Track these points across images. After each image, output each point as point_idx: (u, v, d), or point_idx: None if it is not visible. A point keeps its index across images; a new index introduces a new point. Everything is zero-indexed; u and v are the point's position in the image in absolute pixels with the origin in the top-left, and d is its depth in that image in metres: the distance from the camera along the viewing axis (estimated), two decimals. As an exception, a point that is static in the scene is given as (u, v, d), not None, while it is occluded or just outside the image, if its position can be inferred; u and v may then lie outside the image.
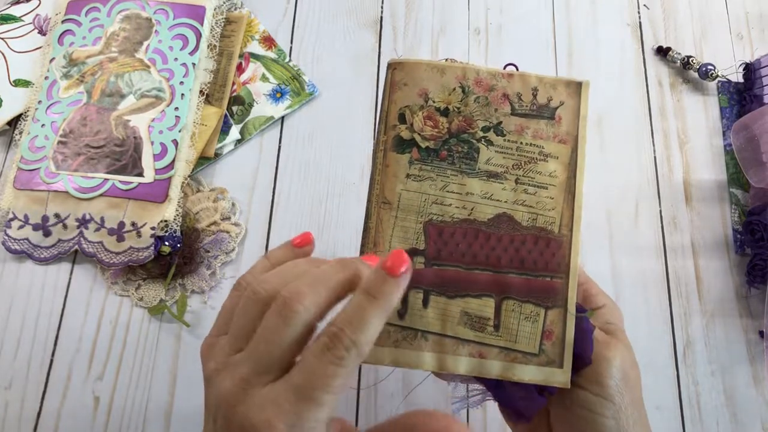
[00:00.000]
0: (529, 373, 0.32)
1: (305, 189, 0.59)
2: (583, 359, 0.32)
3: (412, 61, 0.33)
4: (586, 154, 0.33)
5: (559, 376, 0.31)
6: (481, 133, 0.33)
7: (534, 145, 0.33)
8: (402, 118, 0.33)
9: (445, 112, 0.33)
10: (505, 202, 0.33)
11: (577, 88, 0.34)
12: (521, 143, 0.33)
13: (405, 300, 0.32)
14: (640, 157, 0.60)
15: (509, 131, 0.33)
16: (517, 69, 0.34)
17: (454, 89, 0.33)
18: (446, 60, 0.34)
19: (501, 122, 0.33)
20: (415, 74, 0.33)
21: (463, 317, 0.32)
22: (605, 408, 0.31)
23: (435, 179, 0.33)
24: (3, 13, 0.64)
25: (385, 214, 0.32)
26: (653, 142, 0.61)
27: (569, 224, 0.32)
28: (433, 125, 0.33)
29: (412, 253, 0.32)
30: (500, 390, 0.34)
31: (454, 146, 0.33)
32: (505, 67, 0.34)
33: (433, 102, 0.33)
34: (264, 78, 0.62)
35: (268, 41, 0.64)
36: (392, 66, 0.34)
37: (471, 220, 0.32)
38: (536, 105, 0.33)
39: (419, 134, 0.33)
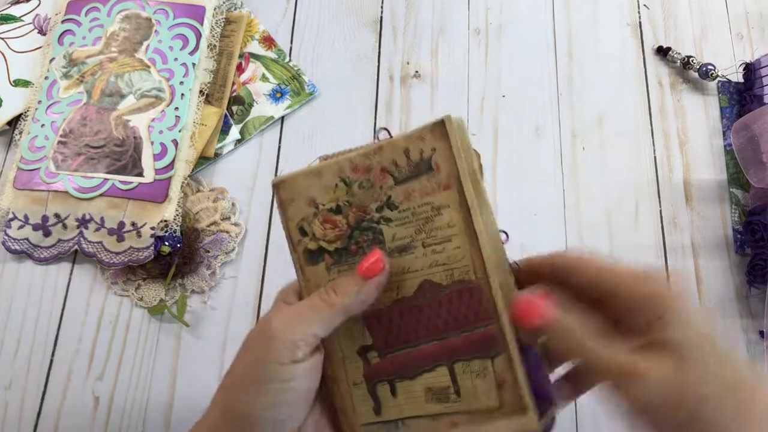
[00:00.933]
0: (500, 429, 0.31)
1: (305, 189, 0.59)
2: (545, 398, 0.31)
3: (291, 176, 0.33)
4: (479, 186, 0.32)
5: (529, 424, 0.31)
6: (377, 215, 0.33)
7: (424, 203, 0.32)
8: (303, 232, 0.34)
9: (338, 210, 0.33)
10: (422, 269, 0.32)
11: (441, 128, 0.32)
12: (414, 207, 0.32)
13: (375, 396, 0.33)
14: (640, 157, 0.60)
15: (400, 201, 0.32)
16: (390, 134, 0.34)
17: (336, 185, 0.33)
18: (321, 158, 0.35)
19: (390, 196, 0.32)
20: (297, 187, 0.33)
21: (428, 393, 0.32)
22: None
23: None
24: (3, 13, 0.64)
25: None
26: (653, 142, 0.61)
27: (481, 266, 0.31)
28: (332, 226, 0.33)
29: (364, 350, 0.33)
30: None
31: (359, 238, 0.33)
32: (377, 135, 0.34)
33: (323, 205, 0.33)
34: (264, 78, 0.62)
35: (268, 41, 0.64)
36: (276, 186, 0.34)
37: (400, 299, 0.32)
38: (413, 164, 0.32)
39: (324, 240, 0.33)
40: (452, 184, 0.32)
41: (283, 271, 0.55)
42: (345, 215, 0.33)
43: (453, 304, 0.32)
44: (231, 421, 0.30)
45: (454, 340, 0.32)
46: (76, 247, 0.54)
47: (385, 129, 0.35)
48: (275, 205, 0.56)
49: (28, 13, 0.64)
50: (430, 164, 0.32)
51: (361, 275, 0.31)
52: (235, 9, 0.65)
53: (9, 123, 0.60)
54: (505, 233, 0.33)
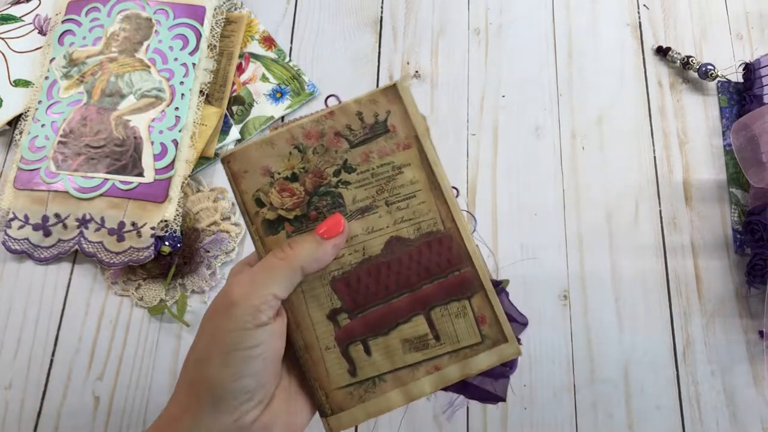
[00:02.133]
0: (484, 362, 0.33)
1: (305, 189, 0.59)
2: (519, 323, 0.35)
3: (242, 148, 0.33)
4: (434, 146, 0.34)
5: (509, 349, 0.33)
6: (334, 179, 0.33)
7: (384, 164, 0.33)
8: (260, 202, 0.34)
9: (294, 178, 0.33)
10: (387, 227, 0.33)
11: (394, 91, 0.33)
12: (373, 168, 0.33)
13: (349, 357, 0.33)
14: (640, 157, 0.60)
15: (357, 164, 0.33)
16: (339, 100, 0.34)
17: (290, 153, 0.33)
18: (272, 128, 0.35)
19: (346, 160, 0.33)
20: (249, 158, 0.33)
21: (405, 344, 0.33)
22: None
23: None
24: (3, 13, 0.64)
25: (292, 295, 0.33)
26: (653, 142, 0.61)
27: (449, 216, 0.33)
28: (290, 194, 0.34)
29: (334, 313, 0.33)
30: (468, 388, 0.35)
31: (318, 203, 0.33)
32: (326, 100, 0.35)
33: (279, 173, 0.33)
34: (264, 78, 0.62)
35: (268, 41, 0.64)
36: (226, 160, 0.34)
37: (368, 259, 0.33)
38: (367, 127, 0.33)
39: (282, 209, 0.33)
40: (412, 143, 0.33)
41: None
42: (302, 182, 0.33)
43: (423, 255, 0.33)
44: (200, 396, 0.29)
45: (428, 289, 0.33)
46: (76, 247, 0.54)
47: (334, 96, 0.35)
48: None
49: (29, 13, 0.64)
50: (386, 126, 0.33)
51: (320, 235, 0.32)
52: (235, 9, 0.65)
53: (9, 123, 0.60)
54: (455, 189, 0.35)
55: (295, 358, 0.33)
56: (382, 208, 0.33)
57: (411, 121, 0.33)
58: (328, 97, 0.35)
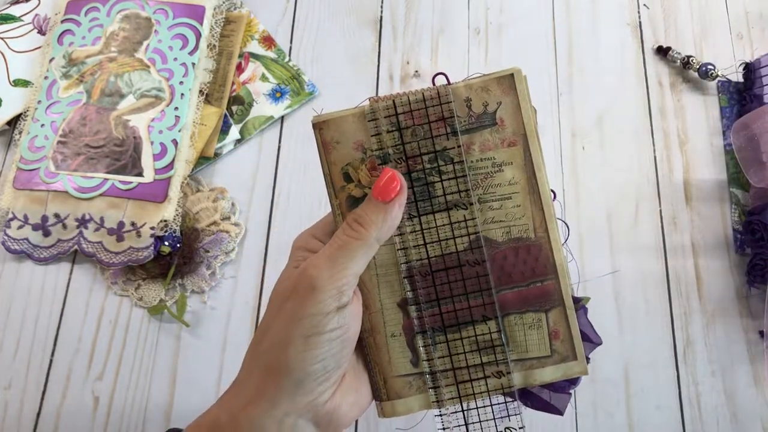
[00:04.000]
0: (548, 375, 0.32)
1: (305, 189, 0.59)
2: (592, 342, 0.33)
3: (336, 116, 0.32)
4: (542, 148, 0.32)
5: (577, 367, 0.32)
6: (428, 166, 0.31)
7: (485, 159, 0.31)
8: (347, 177, 0.32)
9: (386, 158, 0.32)
10: (475, 225, 0.32)
11: (510, 81, 0.31)
12: (472, 162, 0.31)
13: (413, 348, 0.33)
14: (640, 157, 0.60)
15: (456, 154, 0.31)
16: (448, 80, 0.32)
17: (387, 131, 0.31)
18: (369, 100, 0.32)
19: (445, 147, 0.31)
20: (343, 129, 0.31)
21: (472, 345, 0.32)
22: None
23: (401, 227, 0.32)
24: (2, 12, 0.64)
25: (365, 276, 0.32)
26: (653, 141, 0.61)
27: (543, 224, 0.32)
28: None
29: (404, 303, 0.32)
30: (529, 397, 0.35)
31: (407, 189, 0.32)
32: (433, 78, 0.33)
33: (372, 151, 0.31)
34: (264, 78, 0.62)
35: (267, 41, 0.64)
36: (317, 126, 0.32)
37: (449, 254, 0.32)
38: (474, 116, 0.31)
39: (370, 188, 0.31)
40: (518, 141, 0.31)
41: (283, 271, 0.55)
42: (394, 164, 0.31)
43: (507, 261, 0.32)
44: (278, 380, 0.29)
45: (507, 295, 0.32)
46: (75, 247, 0.54)
47: (443, 74, 0.32)
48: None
49: (28, 12, 0.64)
50: (494, 118, 0.31)
51: (380, 200, 0.30)
52: (235, 9, 0.65)
53: (9, 123, 0.60)
54: (553, 192, 0.32)
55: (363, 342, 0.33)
56: (473, 205, 0.31)
57: (522, 117, 0.31)
58: (436, 75, 0.32)
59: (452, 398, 0.32)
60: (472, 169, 0.31)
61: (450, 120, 0.31)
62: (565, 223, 0.33)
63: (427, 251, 0.32)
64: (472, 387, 0.32)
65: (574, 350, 0.32)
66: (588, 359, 0.33)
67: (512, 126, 0.31)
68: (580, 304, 0.34)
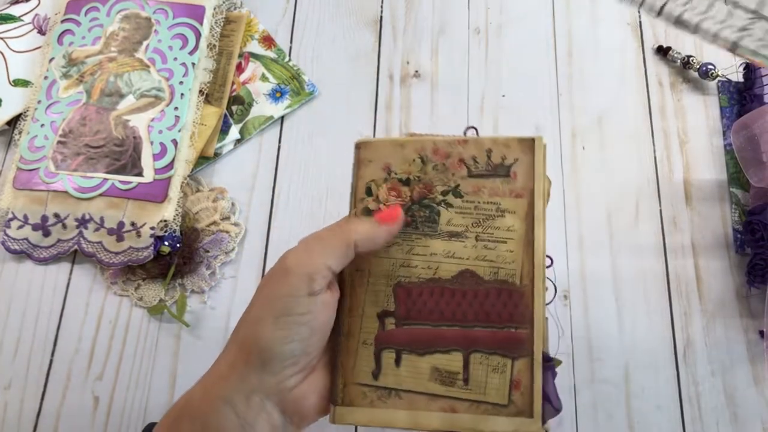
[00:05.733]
0: (501, 426, 0.32)
1: (305, 189, 0.59)
2: (553, 407, 0.33)
3: (377, 141, 0.36)
4: (545, 207, 0.34)
5: (530, 426, 0.32)
6: (440, 197, 0.35)
7: (491, 202, 0.35)
8: (369, 191, 0.36)
9: (406, 182, 0.35)
10: (467, 258, 0.34)
11: (530, 144, 0.35)
12: (479, 202, 0.35)
13: (378, 361, 0.34)
14: (640, 157, 0.60)
15: (467, 192, 0.35)
16: (477, 132, 0.36)
17: (414, 160, 0.35)
18: (409, 134, 0.37)
19: (459, 185, 0.35)
20: (379, 151, 0.36)
21: (434, 373, 0.33)
22: None
23: (401, 244, 0.35)
24: (2, 12, 0.64)
25: (358, 280, 0.35)
26: (653, 141, 0.61)
27: (530, 275, 0.33)
28: (396, 195, 0.35)
29: (383, 315, 0.34)
30: None
31: (416, 212, 0.35)
32: (465, 132, 0.37)
33: (395, 174, 0.36)
34: (263, 78, 0.62)
35: (267, 41, 0.64)
36: (359, 146, 0.36)
37: (436, 279, 0.34)
38: (491, 165, 0.35)
39: (384, 204, 0.35)
40: (525, 195, 0.34)
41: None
42: (411, 188, 0.35)
43: (489, 300, 0.34)
44: (248, 356, 0.31)
45: (479, 332, 0.33)
46: (75, 247, 0.54)
47: (473, 128, 0.37)
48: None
49: (28, 12, 0.64)
50: (508, 171, 0.35)
51: (377, 219, 0.34)
52: (235, 8, 0.65)
53: (8, 123, 0.60)
54: (550, 258, 0.35)
55: (336, 345, 0.34)
56: (470, 240, 0.34)
57: (533, 176, 0.34)
58: (468, 128, 0.37)
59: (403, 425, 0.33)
60: (477, 208, 0.35)
61: (468, 162, 0.35)
62: (554, 285, 0.35)
63: (419, 272, 0.34)
64: (426, 417, 0.33)
65: (532, 407, 0.32)
66: (545, 422, 0.33)
67: (523, 181, 0.35)
68: (550, 363, 0.34)
